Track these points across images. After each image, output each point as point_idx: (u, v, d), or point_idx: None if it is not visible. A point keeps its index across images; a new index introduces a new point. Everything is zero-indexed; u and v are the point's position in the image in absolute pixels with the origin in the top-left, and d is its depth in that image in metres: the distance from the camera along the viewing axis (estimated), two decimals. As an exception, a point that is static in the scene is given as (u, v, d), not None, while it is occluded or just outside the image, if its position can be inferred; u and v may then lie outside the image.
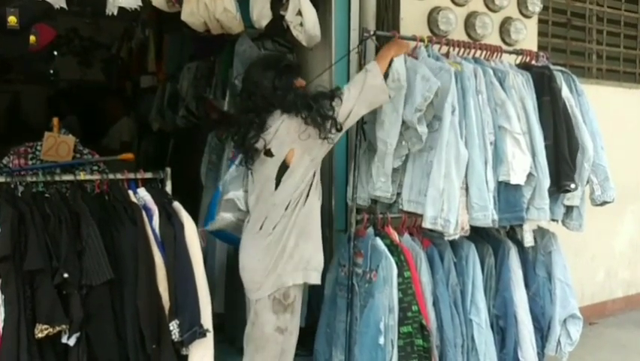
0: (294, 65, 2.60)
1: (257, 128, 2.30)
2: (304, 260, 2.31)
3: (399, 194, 2.63)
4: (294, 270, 2.29)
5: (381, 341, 2.40)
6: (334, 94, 2.32)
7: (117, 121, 5.56)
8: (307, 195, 2.31)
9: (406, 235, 2.65)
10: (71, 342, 2.14)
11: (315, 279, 2.36)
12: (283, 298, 2.29)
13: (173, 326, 2.27)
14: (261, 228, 2.31)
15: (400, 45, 2.61)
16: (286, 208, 2.27)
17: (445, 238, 2.53)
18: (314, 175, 2.34)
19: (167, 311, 2.28)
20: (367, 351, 2.42)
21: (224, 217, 2.51)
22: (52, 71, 6.96)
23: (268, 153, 2.30)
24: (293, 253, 2.28)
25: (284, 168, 2.28)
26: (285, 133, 2.28)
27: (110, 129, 5.40)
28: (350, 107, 2.32)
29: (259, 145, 2.30)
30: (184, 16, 2.63)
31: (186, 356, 2.34)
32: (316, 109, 2.25)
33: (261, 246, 2.30)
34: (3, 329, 2.04)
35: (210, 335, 2.35)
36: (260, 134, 2.29)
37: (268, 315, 2.29)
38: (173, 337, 2.27)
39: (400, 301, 2.46)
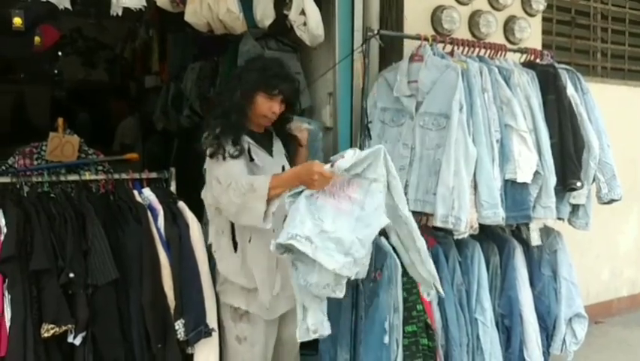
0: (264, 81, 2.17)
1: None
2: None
3: (405, 194, 2.62)
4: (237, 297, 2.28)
5: (386, 340, 2.39)
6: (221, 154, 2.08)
7: (122, 121, 5.58)
8: (235, 245, 2.21)
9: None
10: (77, 342, 2.14)
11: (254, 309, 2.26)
12: (238, 308, 2.28)
13: (179, 326, 2.27)
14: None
15: (310, 176, 1.94)
16: (215, 242, 2.27)
17: (455, 237, 2.52)
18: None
19: (172, 311, 2.28)
20: (372, 350, 2.42)
21: None
22: (56, 72, 7.00)
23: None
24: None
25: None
26: None
27: (115, 129, 5.43)
28: (218, 197, 2.06)
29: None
30: (187, 17, 2.64)
31: (192, 356, 2.35)
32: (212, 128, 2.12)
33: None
34: (10, 328, 2.04)
35: (215, 335, 2.35)
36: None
37: (227, 322, 2.32)
38: (179, 336, 2.28)
39: (405, 300, 2.45)
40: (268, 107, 2.18)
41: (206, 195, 2.23)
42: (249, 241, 2.20)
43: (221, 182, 2.05)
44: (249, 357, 2.29)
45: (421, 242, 2.09)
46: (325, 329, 2.04)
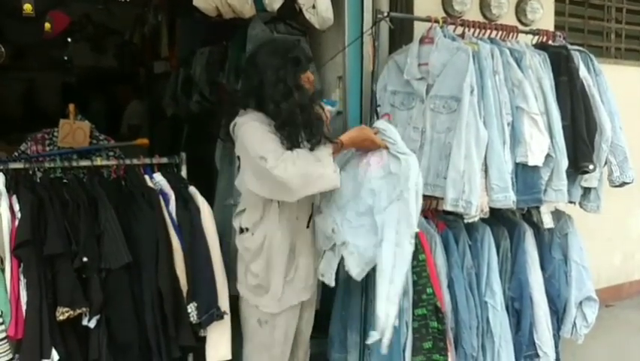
0: (302, 58, 2.19)
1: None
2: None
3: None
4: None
5: (396, 322, 2.40)
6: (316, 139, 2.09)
7: (128, 105, 5.62)
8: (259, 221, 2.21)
9: (421, 218, 2.64)
10: (92, 324, 2.18)
11: (264, 306, 2.24)
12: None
13: (191, 309, 2.30)
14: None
15: (363, 141, 2.21)
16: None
17: (465, 220, 2.51)
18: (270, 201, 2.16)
19: (184, 294, 2.31)
20: (382, 333, 2.43)
21: None
22: (66, 58, 7.02)
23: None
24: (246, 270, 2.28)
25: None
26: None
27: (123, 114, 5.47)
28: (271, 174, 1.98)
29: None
30: (196, 1, 2.63)
31: (204, 338, 2.39)
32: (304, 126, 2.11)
33: None
34: (26, 311, 2.08)
35: (227, 317, 2.39)
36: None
37: (245, 303, 2.31)
38: (191, 319, 2.31)
39: (415, 283, 2.46)
40: (306, 77, 2.19)
41: (243, 181, 2.18)
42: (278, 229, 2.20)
43: (271, 158, 1.99)
44: (269, 341, 2.27)
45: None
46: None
